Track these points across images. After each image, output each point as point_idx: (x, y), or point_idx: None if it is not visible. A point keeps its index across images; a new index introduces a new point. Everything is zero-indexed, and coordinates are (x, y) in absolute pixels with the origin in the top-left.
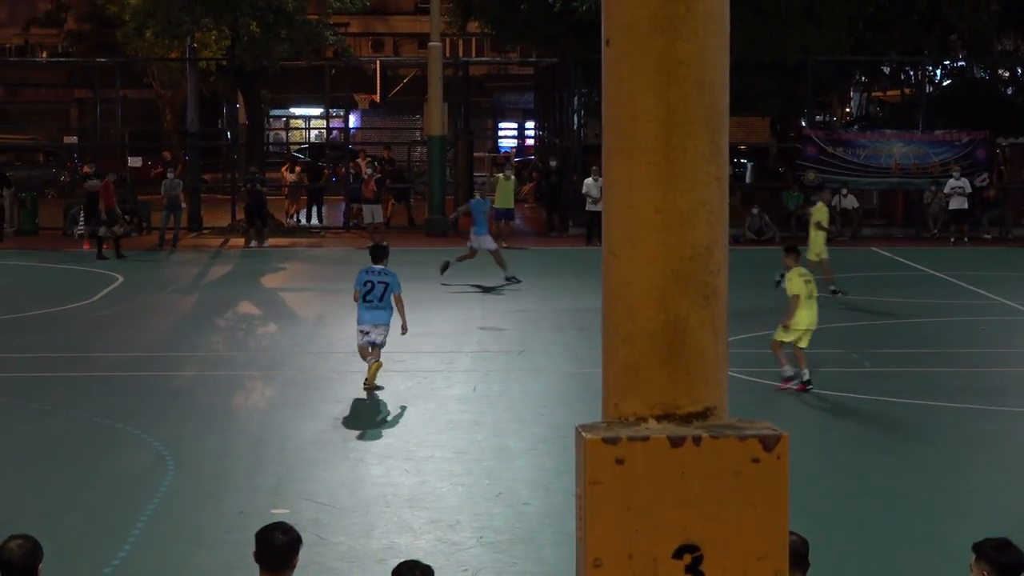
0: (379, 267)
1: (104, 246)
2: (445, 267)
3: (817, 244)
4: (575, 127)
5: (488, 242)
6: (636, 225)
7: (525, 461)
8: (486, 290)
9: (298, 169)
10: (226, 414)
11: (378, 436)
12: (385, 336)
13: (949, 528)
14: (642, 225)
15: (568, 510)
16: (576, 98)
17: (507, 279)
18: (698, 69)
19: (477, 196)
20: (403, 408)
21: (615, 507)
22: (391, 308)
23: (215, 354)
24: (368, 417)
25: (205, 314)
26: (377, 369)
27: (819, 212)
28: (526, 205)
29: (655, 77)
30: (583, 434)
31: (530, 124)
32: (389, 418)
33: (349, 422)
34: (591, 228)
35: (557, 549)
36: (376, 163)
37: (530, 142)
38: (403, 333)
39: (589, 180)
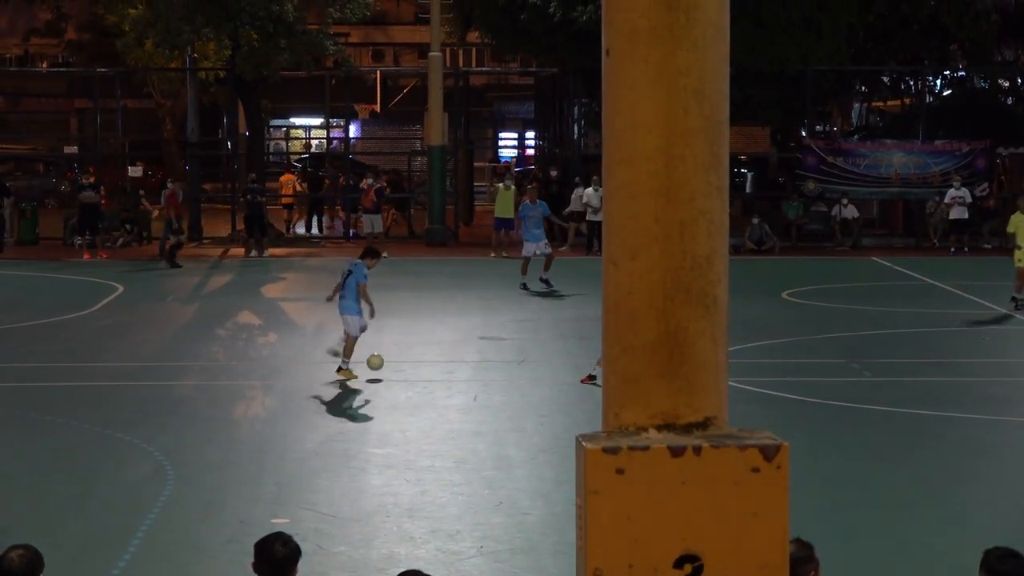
0: (357, 260)
1: (167, 253)
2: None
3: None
4: (575, 137)
5: (527, 248)
6: (636, 235)
7: (526, 471)
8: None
9: (299, 178)
10: (227, 424)
11: (379, 446)
12: (353, 327)
13: (951, 539)
14: (642, 235)
15: (569, 520)
16: (576, 108)
17: (523, 285)
18: (698, 79)
19: (526, 200)
20: (404, 418)
21: (615, 517)
22: (355, 299)
23: (215, 364)
24: (368, 427)
25: (205, 324)
26: (369, 355)
27: (1013, 223)
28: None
29: (655, 87)
30: (583, 444)
31: (530, 134)
32: (389, 428)
33: (349, 432)
34: (591, 238)
35: (558, 559)
36: (376, 174)
37: (530, 152)
38: (370, 316)
39: (589, 190)
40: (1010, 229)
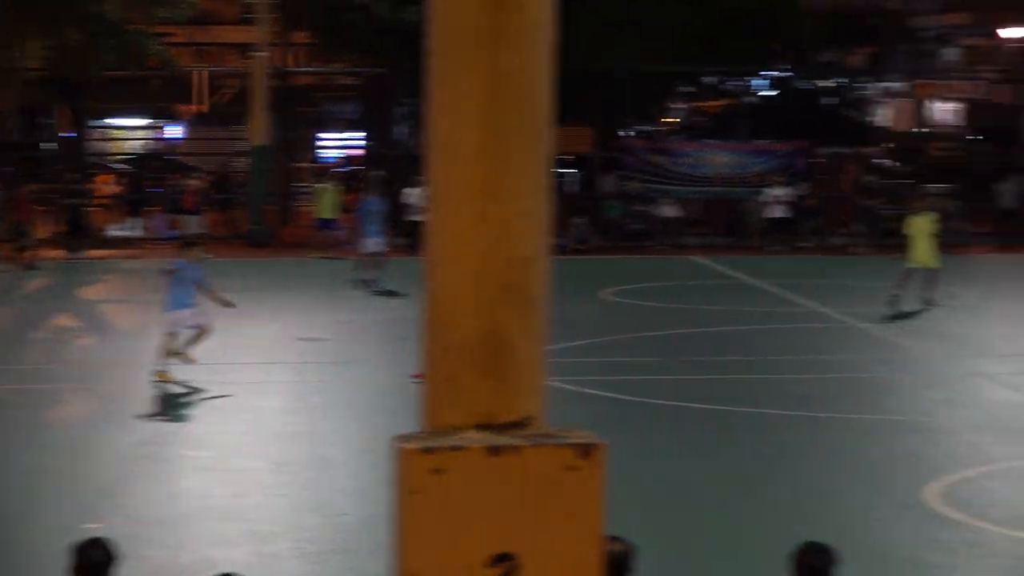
0: (182, 260)
1: (24, 256)
2: None
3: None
4: (401, 137)
5: (366, 244)
6: (458, 235)
7: (344, 472)
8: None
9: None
10: (41, 429)
11: (195, 448)
12: (179, 322)
13: (764, 534)
14: (464, 235)
15: (386, 520)
16: (403, 108)
17: (367, 282)
18: (522, 79)
19: (367, 196)
20: (221, 420)
21: (432, 517)
22: (186, 294)
23: (31, 368)
24: (185, 429)
25: (21, 327)
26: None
27: (911, 224)
28: (350, 215)
29: (479, 87)
30: (400, 444)
31: (356, 134)
32: (207, 430)
33: (166, 435)
34: (414, 238)
35: (375, 560)
36: (199, 176)
37: (356, 152)
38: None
39: (413, 190)
40: (908, 230)
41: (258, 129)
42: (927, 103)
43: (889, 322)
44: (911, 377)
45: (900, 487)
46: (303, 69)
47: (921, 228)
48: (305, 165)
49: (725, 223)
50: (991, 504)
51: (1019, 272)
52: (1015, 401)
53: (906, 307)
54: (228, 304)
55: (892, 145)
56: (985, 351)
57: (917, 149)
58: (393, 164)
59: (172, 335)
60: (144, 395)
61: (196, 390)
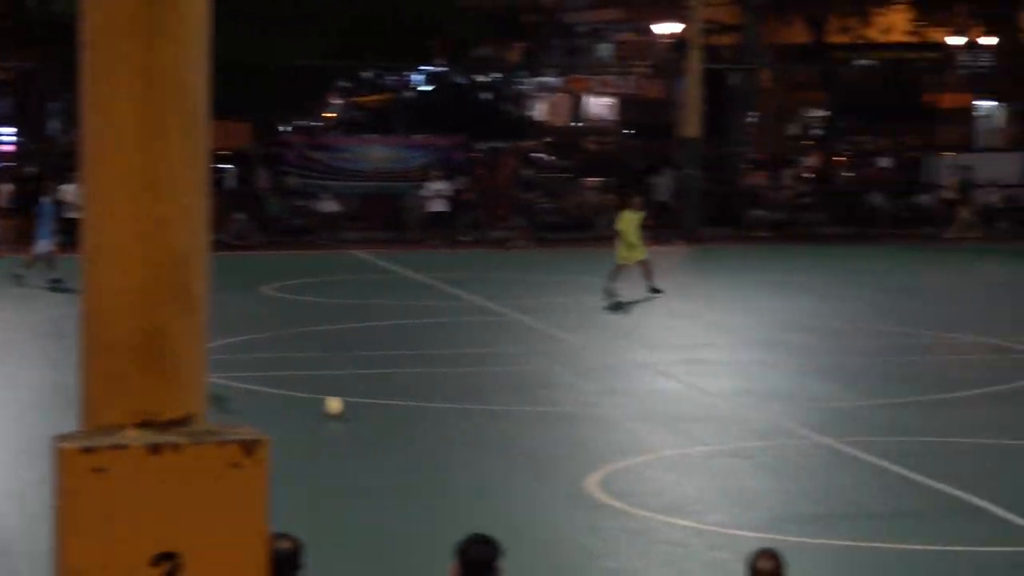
0: None
1: None
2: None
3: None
4: (55, 132)
5: (42, 245)
6: (114, 232)
7: (2, 473)
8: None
9: None
10: None
11: None
12: None
13: (432, 528)
14: (120, 232)
15: (47, 522)
16: (56, 103)
17: (52, 281)
18: (178, 73)
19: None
20: None
21: (92, 517)
22: None
23: None
24: None
25: None
26: None
27: (623, 220)
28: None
29: (133, 81)
30: (60, 444)
31: (7, 130)
32: None
33: None
34: (70, 236)
35: (34, 563)
36: None
37: (7, 148)
38: None
39: (69, 187)
40: (620, 226)
41: None
42: (582, 98)
43: (611, 312)
44: (575, 369)
45: (562, 477)
46: None
47: (631, 223)
48: None
49: (385, 218)
50: (649, 492)
51: (675, 264)
52: (674, 390)
53: (623, 299)
54: None
55: (549, 139)
56: (647, 342)
57: (573, 143)
58: (47, 160)
59: None
60: None
61: None
